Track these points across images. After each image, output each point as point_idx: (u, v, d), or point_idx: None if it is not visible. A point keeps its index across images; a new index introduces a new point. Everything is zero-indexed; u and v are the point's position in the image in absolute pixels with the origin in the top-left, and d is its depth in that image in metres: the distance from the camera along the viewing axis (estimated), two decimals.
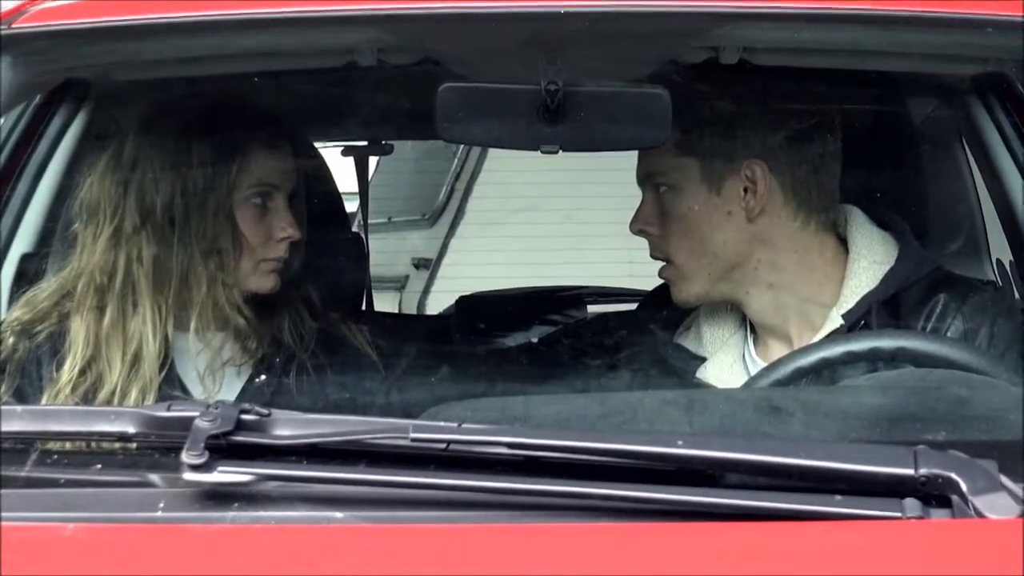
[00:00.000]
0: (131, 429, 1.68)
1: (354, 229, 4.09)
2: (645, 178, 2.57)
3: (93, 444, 1.82)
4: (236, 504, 1.58)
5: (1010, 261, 3.18)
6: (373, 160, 5.05)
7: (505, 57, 2.45)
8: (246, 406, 1.65)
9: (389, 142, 4.44)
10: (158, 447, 1.70)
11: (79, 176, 2.64)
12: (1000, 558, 1.46)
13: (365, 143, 4.27)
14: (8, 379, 2.50)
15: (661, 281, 2.62)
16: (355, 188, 4.35)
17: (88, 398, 2.44)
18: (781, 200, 2.48)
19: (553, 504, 1.56)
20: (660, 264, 2.57)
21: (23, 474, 1.69)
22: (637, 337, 2.67)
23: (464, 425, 1.63)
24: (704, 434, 1.88)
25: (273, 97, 2.75)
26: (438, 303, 5.97)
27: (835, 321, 2.45)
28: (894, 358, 2.26)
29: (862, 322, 2.43)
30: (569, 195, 7.00)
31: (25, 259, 2.95)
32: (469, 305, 4.03)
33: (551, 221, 7.31)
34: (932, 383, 2.13)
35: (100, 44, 2.38)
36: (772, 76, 2.48)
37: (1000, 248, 3.27)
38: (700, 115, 2.47)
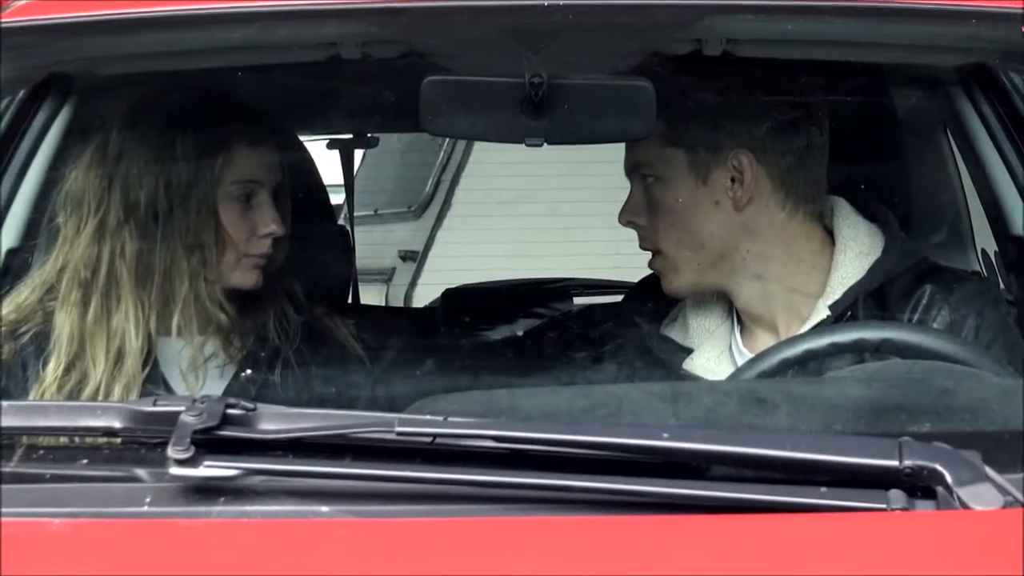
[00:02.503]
0: (117, 424, 1.68)
1: (340, 222, 4.10)
2: (633, 169, 2.57)
3: (79, 439, 1.82)
4: (222, 499, 1.58)
5: (995, 251, 3.19)
6: (359, 152, 5.05)
7: (489, 50, 2.45)
8: (232, 401, 1.65)
9: (374, 135, 4.45)
10: (144, 442, 1.69)
11: (64, 170, 2.63)
12: (985, 549, 1.47)
13: (350, 136, 4.28)
14: None
15: (647, 273, 2.62)
16: (341, 181, 4.36)
17: (73, 396, 2.43)
18: (768, 190, 2.48)
19: (539, 497, 1.56)
20: (646, 255, 2.58)
21: (9, 470, 1.69)
22: (623, 329, 2.67)
23: (450, 418, 1.63)
24: (689, 426, 1.88)
25: (258, 91, 2.74)
26: (425, 295, 5.97)
27: (822, 312, 2.45)
28: (879, 349, 2.26)
29: (848, 313, 2.44)
30: (556, 187, 7.01)
31: (10, 254, 2.94)
32: (455, 298, 4.03)
33: (538, 213, 7.33)
34: (917, 374, 2.13)
35: (84, 38, 2.37)
36: (756, 67, 2.48)
37: (985, 238, 3.27)
38: (685, 106, 2.48)
